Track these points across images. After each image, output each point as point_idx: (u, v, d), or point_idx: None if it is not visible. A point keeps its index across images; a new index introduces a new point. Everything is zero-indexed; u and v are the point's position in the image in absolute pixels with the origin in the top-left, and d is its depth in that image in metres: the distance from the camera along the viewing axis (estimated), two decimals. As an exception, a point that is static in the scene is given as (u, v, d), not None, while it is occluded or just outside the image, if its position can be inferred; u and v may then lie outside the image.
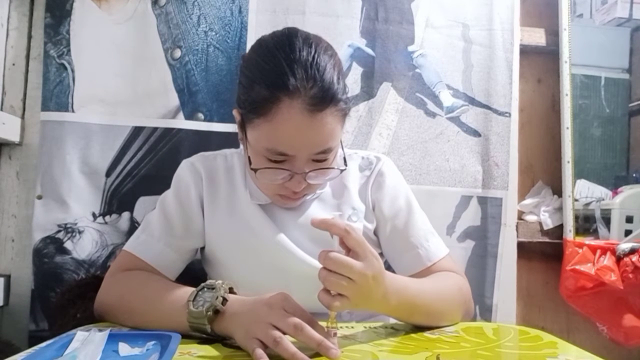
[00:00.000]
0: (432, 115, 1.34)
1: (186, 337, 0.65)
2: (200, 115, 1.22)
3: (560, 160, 1.40)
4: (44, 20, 1.18)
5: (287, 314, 0.61)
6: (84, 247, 1.16)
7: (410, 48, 1.34)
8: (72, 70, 1.18)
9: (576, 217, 1.38)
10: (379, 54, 1.32)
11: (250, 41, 1.22)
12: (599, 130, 1.54)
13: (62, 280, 1.13)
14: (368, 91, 1.31)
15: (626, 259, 1.28)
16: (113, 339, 0.63)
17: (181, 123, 1.22)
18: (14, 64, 1.19)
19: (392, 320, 0.81)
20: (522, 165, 1.40)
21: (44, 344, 0.60)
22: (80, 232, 1.16)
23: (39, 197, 1.15)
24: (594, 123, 1.54)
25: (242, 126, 0.80)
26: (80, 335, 0.63)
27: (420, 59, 1.34)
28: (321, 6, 1.29)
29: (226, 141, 1.19)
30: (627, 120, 1.55)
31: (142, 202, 1.19)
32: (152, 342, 0.62)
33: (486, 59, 1.36)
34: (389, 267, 0.83)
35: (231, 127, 1.20)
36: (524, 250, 1.39)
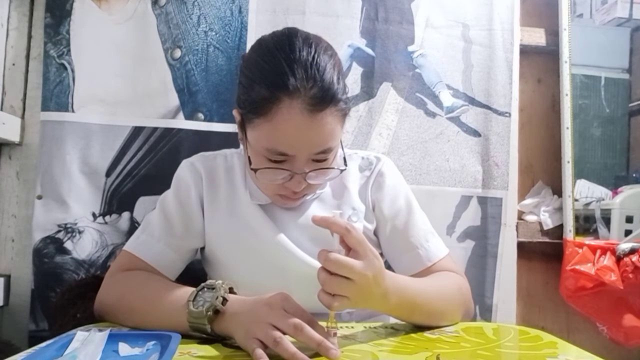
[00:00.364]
0: (432, 115, 1.34)
1: (186, 337, 0.65)
2: (200, 115, 1.22)
3: (560, 160, 1.40)
4: (44, 20, 1.18)
5: (287, 314, 0.61)
6: (84, 247, 1.16)
7: (410, 48, 1.34)
8: (72, 70, 1.18)
9: (576, 217, 1.38)
10: (379, 54, 1.32)
11: (250, 41, 1.22)
12: (599, 130, 1.54)
13: (62, 280, 1.13)
14: (368, 91, 1.31)
15: (626, 259, 1.28)
16: (113, 339, 0.63)
17: (181, 123, 1.22)
18: (14, 64, 1.19)
19: (392, 320, 0.81)
20: (522, 165, 1.40)
21: (44, 344, 0.60)
22: (80, 232, 1.16)
23: (39, 197, 1.15)
24: (594, 123, 1.54)
25: (242, 126, 0.80)
26: (80, 335, 0.63)
27: (420, 59, 1.34)
28: (321, 6, 1.29)
29: (226, 141, 1.19)
30: (627, 120, 1.55)
31: (142, 202, 1.19)
32: (152, 342, 0.62)
33: (486, 59, 1.36)
34: (389, 267, 0.83)
35: (231, 127, 1.20)
36: (524, 250, 1.39)
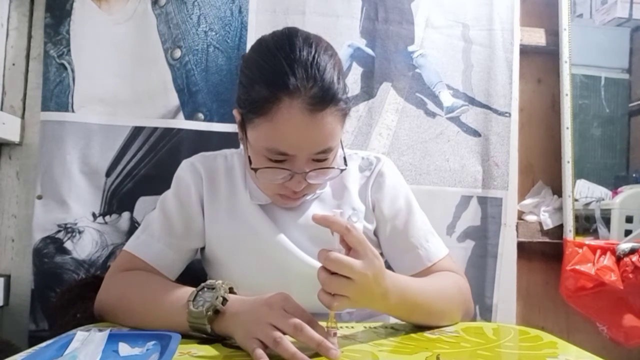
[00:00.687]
0: (432, 115, 1.34)
1: (186, 337, 0.65)
2: (200, 115, 1.22)
3: (560, 160, 1.40)
4: (44, 20, 1.18)
5: (287, 314, 0.61)
6: (84, 247, 1.16)
7: (410, 48, 1.34)
8: (72, 70, 1.18)
9: (576, 217, 1.38)
10: (379, 54, 1.32)
11: (250, 41, 1.22)
12: (599, 130, 1.54)
13: (62, 280, 1.13)
14: (368, 91, 1.31)
15: (626, 259, 1.28)
16: (113, 339, 0.63)
17: (181, 123, 1.22)
18: (14, 64, 1.19)
19: (392, 320, 0.81)
20: (522, 165, 1.40)
21: (44, 344, 0.60)
22: (80, 232, 1.16)
23: (39, 197, 1.15)
24: (594, 123, 1.54)
25: (242, 126, 0.80)
26: (80, 335, 0.63)
27: (420, 59, 1.34)
28: (321, 6, 1.29)
29: (226, 141, 1.19)
30: (627, 120, 1.55)
31: (142, 202, 1.19)
32: (152, 342, 0.62)
33: (486, 59, 1.37)
34: (389, 267, 0.83)
35: (231, 127, 1.20)
36: (524, 250, 1.39)
